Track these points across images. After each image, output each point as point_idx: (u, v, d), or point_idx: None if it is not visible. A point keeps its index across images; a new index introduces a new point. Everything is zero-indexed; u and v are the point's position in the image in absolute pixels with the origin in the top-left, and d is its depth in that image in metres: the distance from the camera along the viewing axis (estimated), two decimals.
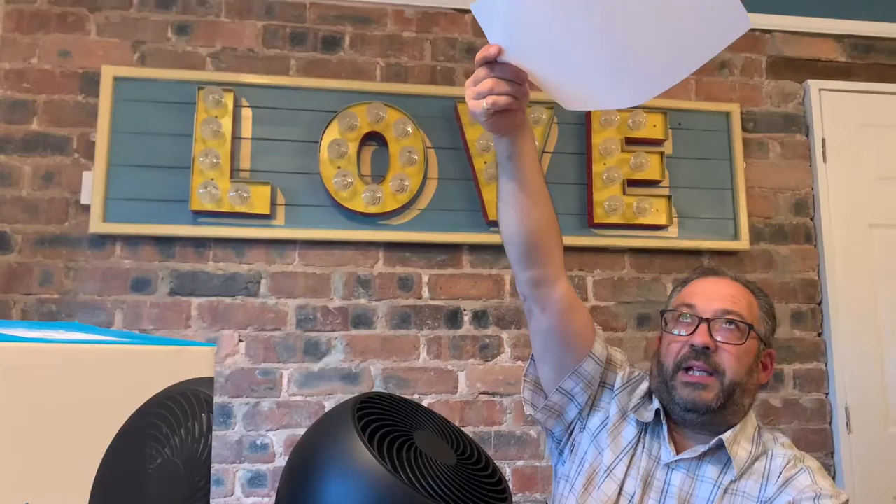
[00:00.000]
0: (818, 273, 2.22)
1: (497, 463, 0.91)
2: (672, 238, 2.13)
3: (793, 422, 2.13)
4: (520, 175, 0.99)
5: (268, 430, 1.92)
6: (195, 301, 1.95)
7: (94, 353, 0.53)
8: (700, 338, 1.03)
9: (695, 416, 1.03)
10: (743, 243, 2.16)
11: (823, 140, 2.27)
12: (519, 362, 2.04)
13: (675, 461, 1.04)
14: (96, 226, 1.89)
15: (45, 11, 2.01)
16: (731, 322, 1.04)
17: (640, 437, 1.08)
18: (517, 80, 0.87)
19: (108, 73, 1.95)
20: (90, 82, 1.98)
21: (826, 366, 2.18)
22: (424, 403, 1.98)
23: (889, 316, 2.20)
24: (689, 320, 1.06)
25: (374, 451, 0.74)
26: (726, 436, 1.02)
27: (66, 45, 2.00)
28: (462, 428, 1.21)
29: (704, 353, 1.03)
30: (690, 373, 1.03)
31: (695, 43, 0.78)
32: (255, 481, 1.90)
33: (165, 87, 1.98)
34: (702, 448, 1.03)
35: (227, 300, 1.96)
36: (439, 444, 0.85)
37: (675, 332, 1.07)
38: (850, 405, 2.14)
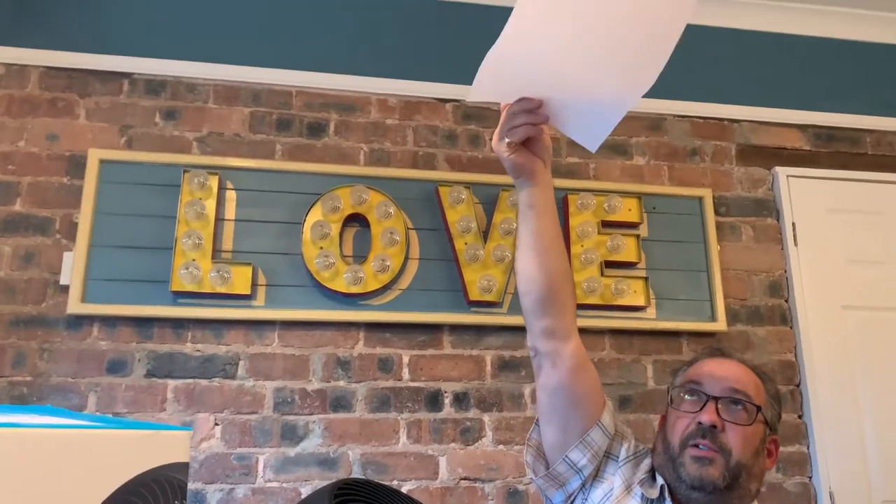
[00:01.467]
0: (795, 354, 2.24)
1: None
2: (650, 319, 2.15)
3: None
4: (539, 223, 1.04)
5: None
6: (171, 383, 1.91)
7: (66, 438, 0.52)
8: (707, 416, 1.03)
9: (700, 494, 1.02)
10: (720, 324, 2.18)
11: (794, 224, 2.34)
12: (501, 446, 2.01)
13: None
14: (74, 306, 1.88)
15: (36, 97, 2.05)
16: (738, 402, 1.05)
17: None
18: (530, 108, 0.96)
19: (94, 156, 1.99)
20: (76, 165, 2.01)
21: (808, 448, 2.17)
22: (404, 490, 1.92)
23: (867, 398, 2.21)
24: (696, 398, 1.06)
25: None
26: None
27: (55, 129, 2.04)
28: None
29: (711, 431, 1.02)
30: (697, 448, 1.03)
31: (660, 29, 0.86)
32: None
33: (151, 169, 2.01)
34: None
35: (204, 382, 1.93)
36: None
37: (682, 409, 1.07)
38: (834, 489, 2.12)
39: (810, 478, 2.14)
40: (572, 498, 1.11)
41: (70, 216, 1.97)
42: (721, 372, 1.09)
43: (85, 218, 1.94)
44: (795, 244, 2.32)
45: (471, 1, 2.33)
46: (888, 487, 2.14)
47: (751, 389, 1.07)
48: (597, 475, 1.11)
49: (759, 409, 1.05)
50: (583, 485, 1.10)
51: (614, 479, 1.10)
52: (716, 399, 1.04)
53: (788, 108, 2.46)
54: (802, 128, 2.47)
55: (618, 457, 1.12)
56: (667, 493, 1.05)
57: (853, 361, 2.24)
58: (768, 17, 2.49)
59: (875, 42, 2.59)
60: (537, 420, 1.13)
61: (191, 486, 1.84)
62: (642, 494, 1.07)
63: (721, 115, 2.42)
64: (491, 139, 2.22)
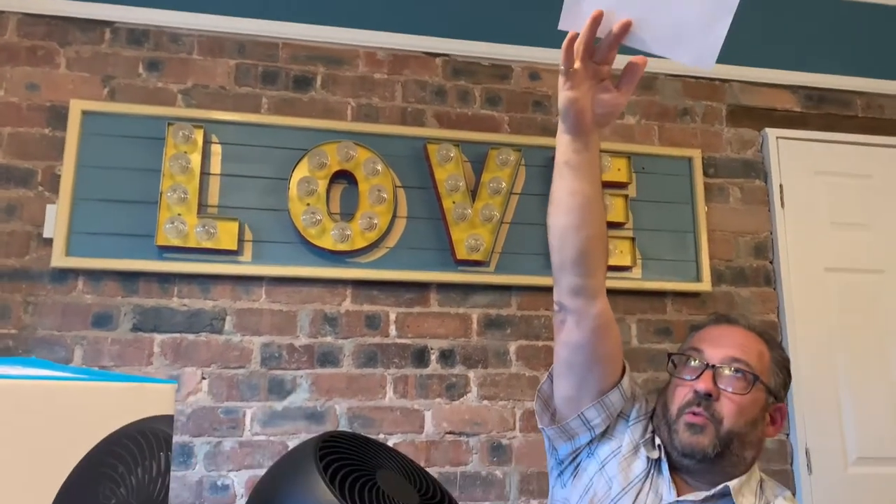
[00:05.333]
0: (777, 315, 2.27)
1: None
2: (636, 279, 2.17)
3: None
4: (574, 183, 0.99)
5: (229, 471, 1.88)
6: (158, 337, 1.91)
7: (51, 389, 0.52)
8: (703, 384, 1.03)
9: (692, 462, 1.03)
10: (705, 285, 2.20)
11: (781, 186, 2.34)
12: (485, 402, 2.04)
13: (677, 502, 1.04)
14: (58, 260, 1.86)
15: (15, 44, 2.00)
16: (737, 371, 1.04)
17: (649, 472, 1.07)
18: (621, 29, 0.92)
19: (76, 107, 1.94)
20: (58, 116, 1.97)
21: (787, 406, 2.21)
22: (390, 443, 1.95)
23: (844, 359, 2.25)
24: (695, 364, 1.06)
25: (335, 490, 0.73)
26: (733, 484, 1.02)
27: (35, 79, 1.99)
28: (428, 468, 1.20)
29: (706, 399, 1.03)
30: (692, 415, 1.03)
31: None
32: None
33: (134, 122, 1.98)
34: (705, 492, 1.03)
35: (191, 337, 1.93)
36: (402, 485, 0.84)
37: (681, 375, 1.08)
38: (811, 446, 2.17)
39: (787, 435, 2.20)
40: (578, 451, 1.13)
41: (52, 168, 1.94)
42: (723, 339, 1.08)
43: (68, 170, 1.90)
44: (782, 206, 2.33)
45: None
46: (862, 445, 2.20)
47: (752, 358, 1.06)
48: (606, 432, 1.11)
49: (756, 377, 1.04)
50: (591, 441, 1.11)
51: (623, 438, 1.11)
52: (714, 367, 1.04)
53: (780, 69, 2.44)
54: (793, 88, 2.45)
55: (629, 417, 1.12)
56: (663, 455, 1.07)
57: (832, 323, 2.27)
58: None
59: (868, 2, 2.56)
60: (550, 372, 1.12)
61: (178, 438, 1.86)
62: (646, 455, 1.08)
63: (712, 74, 2.40)
64: (480, 96, 2.21)
